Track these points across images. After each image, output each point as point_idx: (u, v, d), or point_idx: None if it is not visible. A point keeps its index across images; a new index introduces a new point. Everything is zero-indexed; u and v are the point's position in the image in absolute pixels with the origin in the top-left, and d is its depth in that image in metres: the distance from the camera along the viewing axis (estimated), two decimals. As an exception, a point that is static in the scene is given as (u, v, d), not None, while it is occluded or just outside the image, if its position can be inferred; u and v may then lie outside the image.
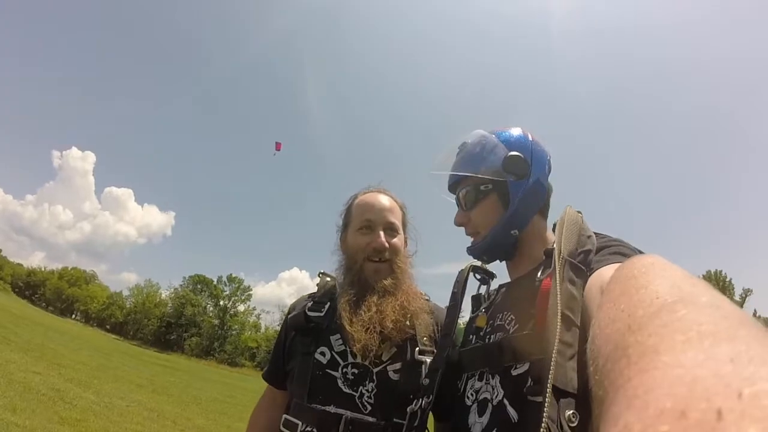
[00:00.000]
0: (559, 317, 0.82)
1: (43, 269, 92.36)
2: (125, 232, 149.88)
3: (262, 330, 78.82)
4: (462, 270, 1.42)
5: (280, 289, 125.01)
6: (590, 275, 0.91)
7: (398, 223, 1.56)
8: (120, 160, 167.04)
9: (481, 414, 1.08)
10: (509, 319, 1.13)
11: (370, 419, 1.31)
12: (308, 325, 1.47)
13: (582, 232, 1.03)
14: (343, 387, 1.36)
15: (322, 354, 1.41)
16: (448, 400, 1.25)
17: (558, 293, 0.86)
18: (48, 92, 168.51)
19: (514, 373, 1.02)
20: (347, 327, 1.36)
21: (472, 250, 1.30)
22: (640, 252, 0.98)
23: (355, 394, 1.35)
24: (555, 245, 0.98)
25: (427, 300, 1.58)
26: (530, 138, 1.26)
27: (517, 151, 1.21)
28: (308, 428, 1.32)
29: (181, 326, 73.26)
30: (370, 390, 1.35)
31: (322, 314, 1.48)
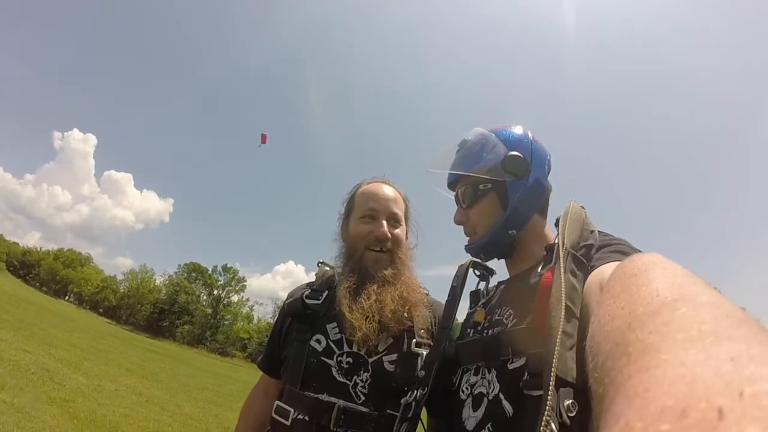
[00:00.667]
0: (563, 305, 0.81)
1: (38, 249, 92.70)
2: (123, 216, 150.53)
3: (255, 322, 78.99)
4: (462, 265, 1.41)
5: (275, 282, 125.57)
6: (591, 272, 0.91)
7: (401, 214, 1.56)
8: (121, 145, 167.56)
9: (475, 408, 1.07)
10: (508, 314, 1.13)
11: (363, 409, 1.30)
12: (305, 312, 1.46)
13: (585, 226, 1.03)
14: (337, 376, 1.35)
15: (318, 342, 1.41)
16: (443, 394, 1.24)
17: (562, 281, 0.86)
18: (51, 73, 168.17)
19: (511, 367, 1.01)
20: (347, 314, 1.35)
21: (469, 249, 1.30)
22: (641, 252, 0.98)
23: (349, 383, 1.34)
24: (558, 236, 0.98)
25: (426, 294, 1.57)
26: (530, 137, 1.25)
27: (516, 151, 1.20)
28: (300, 416, 1.32)
29: (174, 313, 73.39)
30: (364, 380, 1.34)
31: (319, 302, 1.48)
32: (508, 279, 1.30)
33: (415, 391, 1.25)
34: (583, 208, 1.09)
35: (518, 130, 1.27)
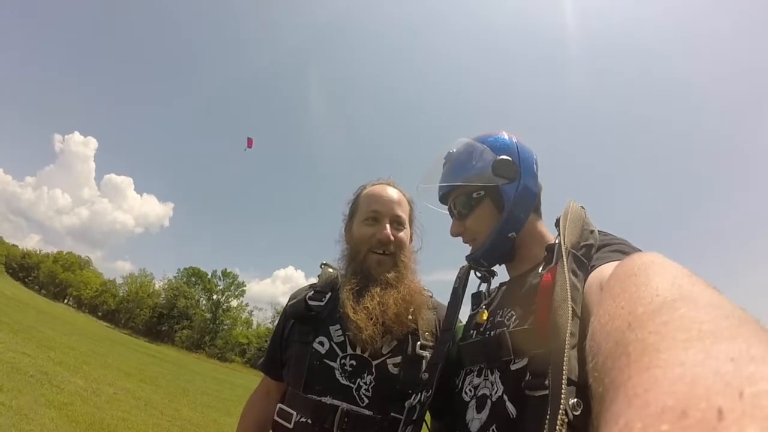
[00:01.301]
0: (569, 304, 0.81)
1: (38, 252, 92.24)
2: (123, 220, 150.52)
3: (254, 327, 78.70)
4: (463, 266, 1.41)
5: (275, 287, 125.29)
6: (591, 271, 0.91)
7: (405, 217, 1.54)
8: (122, 148, 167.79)
9: (479, 410, 1.07)
10: (510, 315, 1.13)
11: (367, 412, 1.28)
12: (308, 313, 1.45)
13: (585, 226, 1.03)
14: (340, 378, 1.33)
15: (321, 344, 1.39)
16: (446, 396, 1.23)
17: (567, 280, 0.86)
18: (53, 75, 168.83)
19: (513, 367, 1.02)
20: (350, 314, 1.33)
21: (471, 259, 1.30)
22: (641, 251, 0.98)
23: (352, 386, 1.31)
24: (559, 236, 0.99)
25: (430, 296, 1.56)
26: (514, 140, 1.27)
27: (504, 155, 1.21)
28: (303, 418, 1.30)
29: (173, 318, 73.11)
30: (368, 383, 1.32)
31: (322, 303, 1.46)
32: (509, 280, 1.30)
33: (419, 394, 1.24)
34: (582, 208, 1.10)
35: (502, 134, 1.29)
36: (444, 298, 1.43)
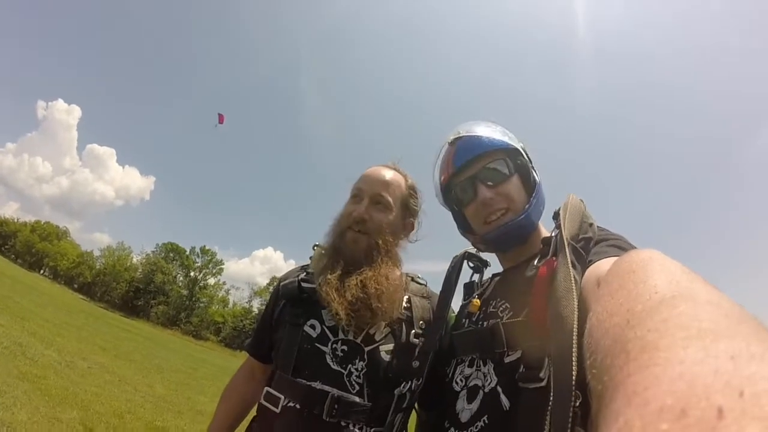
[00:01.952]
0: (575, 294, 0.80)
1: (15, 220, 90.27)
2: (103, 191, 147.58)
3: (230, 306, 78.34)
4: (456, 255, 1.41)
5: (253, 267, 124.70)
6: (588, 266, 0.90)
7: (390, 198, 1.46)
8: (106, 118, 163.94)
9: (470, 401, 1.07)
10: (503, 306, 1.12)
11: (357, 399, 1.24)
12: (300, 295, 1.41)
13: (584, 218, 1.03)
14: (331, 363, 1.28)
15: (312, 327, 1.35)
16: (435, 385, 1.24)
17: (570, 270, 0.86)
18: (37, 40, 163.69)
19: (507, 360, 1.02)
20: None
21: (497, 232, 1.19)
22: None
23: (343, 371, 1.27)
24: (560, 228, 0.99)
25: (424, 285, 1.54)
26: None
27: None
28: (291, 403, 1.25)
29: (150, 293, 72.61)
30: (359, 369, 1.28)
31: (315, 286, 1.40)
32: (502, 271, 1.30)
33: (410, 382, 1.25)
34: (582, 201, 1.10)
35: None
36: (438, 286, 1.43)
